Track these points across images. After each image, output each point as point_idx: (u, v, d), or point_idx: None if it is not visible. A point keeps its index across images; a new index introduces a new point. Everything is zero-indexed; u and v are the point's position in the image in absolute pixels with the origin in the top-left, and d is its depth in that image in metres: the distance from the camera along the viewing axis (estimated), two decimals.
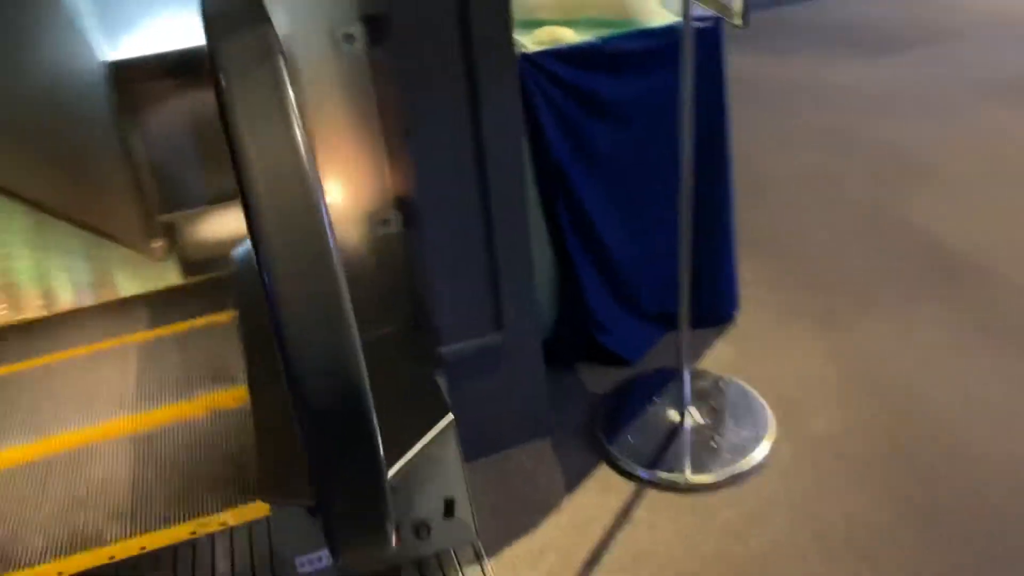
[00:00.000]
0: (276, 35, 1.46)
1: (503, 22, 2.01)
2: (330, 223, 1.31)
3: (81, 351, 3.27)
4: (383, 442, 1.55)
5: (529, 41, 2.50)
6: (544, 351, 2.53)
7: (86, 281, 5.75)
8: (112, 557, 2.25)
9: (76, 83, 3.76)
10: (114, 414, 2.81)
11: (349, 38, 2.09)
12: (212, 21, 1.54)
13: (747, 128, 4.20)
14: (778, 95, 4.87)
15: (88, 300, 5.46)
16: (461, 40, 1.97)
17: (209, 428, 2.67)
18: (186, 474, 2.50)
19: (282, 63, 1.38)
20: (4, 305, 4.69)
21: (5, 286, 4.73)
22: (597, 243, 2.66)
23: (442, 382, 2.32)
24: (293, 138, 1.30)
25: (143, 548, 2.26)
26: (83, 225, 5.14)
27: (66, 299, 5.52)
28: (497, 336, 2.33)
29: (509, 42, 2.03)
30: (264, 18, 1.51)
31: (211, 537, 2.27)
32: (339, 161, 2.27)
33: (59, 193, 4.51)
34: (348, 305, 1.33)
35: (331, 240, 1.30)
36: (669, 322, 2.82)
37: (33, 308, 4.99)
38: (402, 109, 2.01)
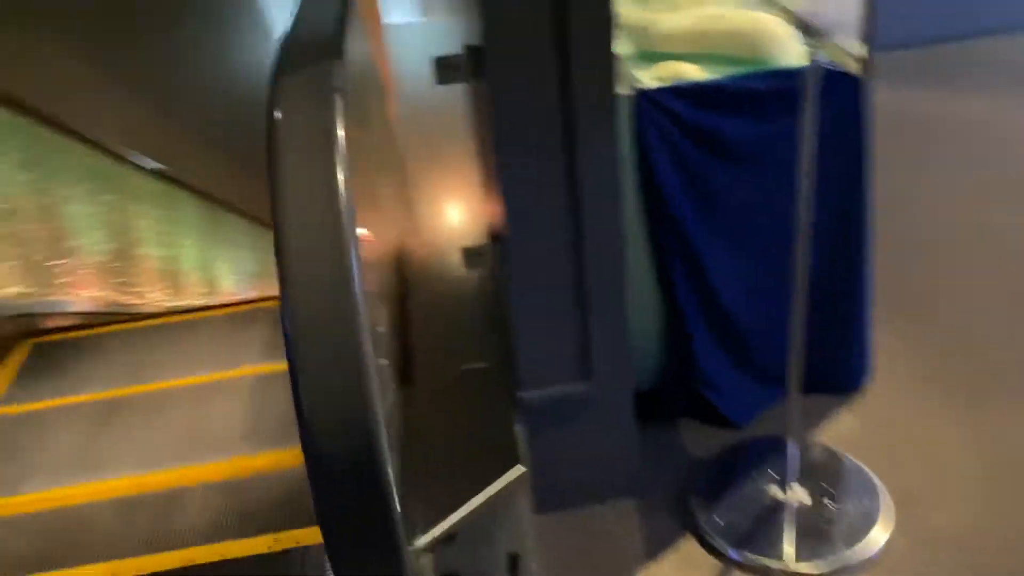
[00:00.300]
0: (341, 72, 1.40)
1: (605, 56, 1.89)
2: (360, 278, 1.23)
3: (201, 379, 3.03)
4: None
5: (648, 76, 2.36)
6: (645, 401, 2.38)
7: (249, 271, 5.98)
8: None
9: (253, 76, 3.84)
10: (213, 456, 2.58)
11: (453, 68, 2.03)
12: (283, 49, 1.51)
13: (909, 173, 3.85)
14: (953, 137, 4.45)
15: (251, 291, 5.66)
16: (558, 74, 1.87)
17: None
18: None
19: (338, 106, 1.32)
20: (169, 291, 4.93)
21: (170, 273, 4.97)
22: (711, 294, 2.48)
23: (522, 427, 2.22)
24: (330, 191, 1.24)
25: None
26: (250, 217, 5.34)
27: (227, 287, 5.75)
28: (583, 386, 2.20)
29: (611, 78, 1.90)
30: (334, 52, 1.46)
31: None
32: (436, 190, 2.21)
33: (229, 185, 4.69)
34: (369, 360, 1.24)
35: (357, 298, 1.22)
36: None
37: (195, 295, 5.22)
38: (494, 143, 1.93)
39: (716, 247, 2.43)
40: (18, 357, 3.17)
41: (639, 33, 2.63)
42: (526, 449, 2.21)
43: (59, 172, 3.57)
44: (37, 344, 3.24)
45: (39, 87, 3.25)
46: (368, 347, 1.23)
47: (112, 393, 2.92)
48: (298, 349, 1.21)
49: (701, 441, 2.58)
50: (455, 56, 2.00)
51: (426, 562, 1.83)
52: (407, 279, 2.46)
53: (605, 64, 1.90)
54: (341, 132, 1.29)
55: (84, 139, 3.53)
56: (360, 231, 1.34)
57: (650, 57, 2.50)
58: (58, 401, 2.87)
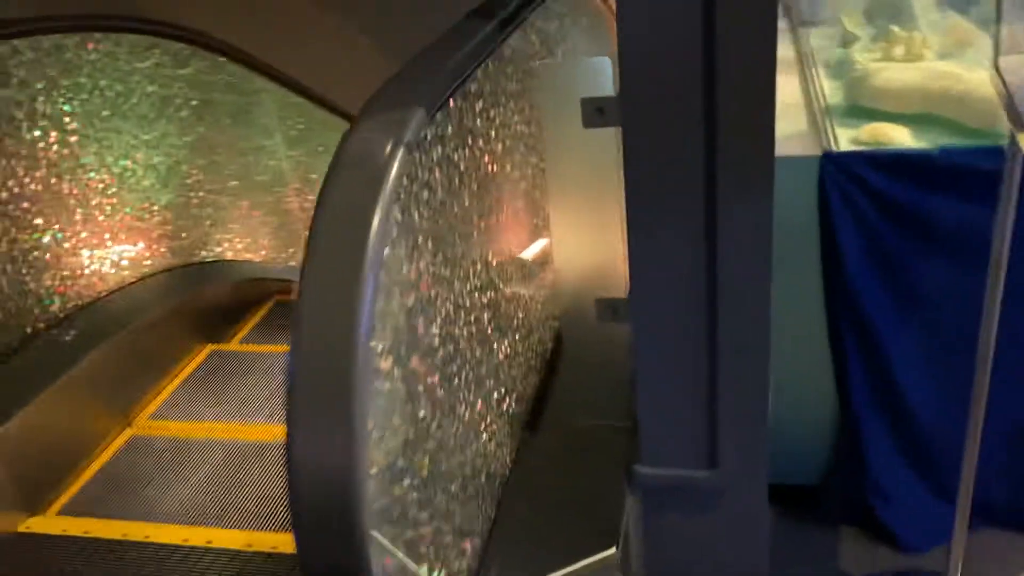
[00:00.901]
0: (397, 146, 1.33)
1: (762, 111, 1.65)
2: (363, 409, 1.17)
3: None
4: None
5: (847, 136, 2.07)
6: (803, 498, 2.11)
7: None
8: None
9: None
10: None
11: (600, 112, 1.89)
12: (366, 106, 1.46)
13: None
14: None
15: None
16: (704, 127, 1.66)
17: None
18: None
19: (384, 193, 1.26)
20: None
21: None
22: (893, 389, 2.13)
23: (633, 502, 2.03)
24: (353, 274, 1.18)
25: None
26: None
27: None
28: (707, 474, 1.97)
29: (767, 135, 1.66)
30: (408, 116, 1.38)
31: None
32: (576, 238, 2.08)
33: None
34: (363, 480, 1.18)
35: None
36: (989, 514, 2.18)
37: None
38: (627, 195, 1.76)
39: (903, 336, 2.08)
40: (263, 311, 3.50)
41: (855, 83, 2.31)
42: (635, 528, 2.03)
43: (323, 151, 3.91)
44: (280, 302, 3.56)
45: (315, 70, 3.57)
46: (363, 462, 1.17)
47: None
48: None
49: (861, 558, 2.23)
50: (605, 98, 1.86)
51: None
52: (544, 321, 2.34)
53: (762, 120, 1.67)
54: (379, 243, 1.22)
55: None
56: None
57: (858, 112, 2.19)
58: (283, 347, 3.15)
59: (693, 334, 1.87)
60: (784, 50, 2.68)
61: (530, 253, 2.14)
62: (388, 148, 1.35)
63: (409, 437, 1.46)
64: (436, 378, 1.60)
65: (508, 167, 2.01)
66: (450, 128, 1.68)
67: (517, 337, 2.14)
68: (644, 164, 1.73)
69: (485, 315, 1.90)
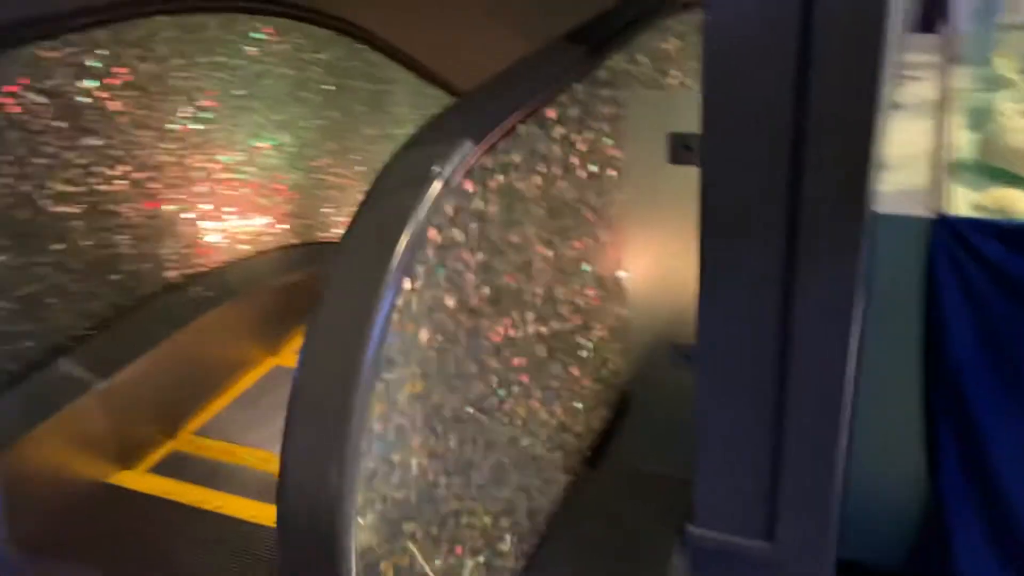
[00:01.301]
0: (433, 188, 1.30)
1: (854, 165, 1.51)
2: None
3: None
4: None
5: (969, 200, 1.86)
6: None
7: None
8: None
9: None
10: None
11: (687, 149, 1.78)
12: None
13: None
14: None
15: None
16: (790, 171, 1.54)
17: None
18: None
19: (405, 232, 1.23)
20: None
21: None
22: (988, 484, 1.92)
23: (683, 562, 1.93)
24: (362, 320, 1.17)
25: None
26: None
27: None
28: (763, 545, 1.84)
29: (862, 188, 1.52)
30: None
31: None
32: (654, 277, 1.98)
33: None
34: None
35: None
36: None
37: None
38: (701, 240, 1.66)
39: (1007, 425, 1.87)
40: None
41: (991, 138, 2.08)
42: None
43: None
44: None
45: (455, 63, 3.64)
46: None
47: None
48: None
49: None
50: (694, 135, 1.75)
51: None
52: (614, 357, 2.25)
53: (856, 171, 1.53)
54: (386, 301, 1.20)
55: None
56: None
57: (989, 172, 1.98)
58: None
59: (759, 395, 1.75)
60: (928, 90, 2.44)
61: (601, 286, 2.06)
62: (421, 182, 1.31)
63: (430, 467, 1.43)
64: (472, 408, 1.56)
65: (588, 195, 1.93)
66: (517, 156, 1.63)
67: (579, 371, 2.06)
68: (721, 207, 1.62)
69: (541, 346, 1.84)
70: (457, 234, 1.43)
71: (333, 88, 3.44)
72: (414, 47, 3.65)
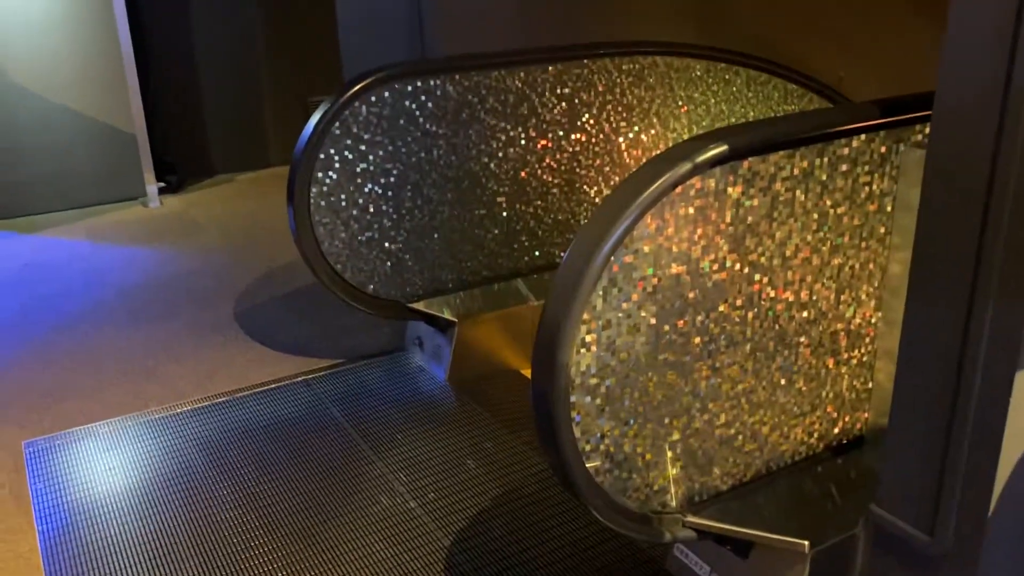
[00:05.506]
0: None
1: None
2: None
3: None
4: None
5: None
6: None
7: None
8: None
9: None
10: None
11: None
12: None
13: None
14: None
15: None
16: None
17: None
18: None
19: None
20: None
21: None
22: None
23: (866, 534, 2.27)
24: None
25: None
26: None
27: None
28: (925, 538, 2.11)
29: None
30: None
31: None
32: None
33: None
34: None
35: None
36: None
37: None
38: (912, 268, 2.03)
39: None
40: None
41: None
42: (864, 550, 2.30)
43: None
44: None
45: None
46: None
47: None
48: None
49: None
50: None
51: None
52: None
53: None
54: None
55: None
56: None
57: None
58: None
59: (940, 408, 2.06)
60: None
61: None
62: (676, 164, 1.99)
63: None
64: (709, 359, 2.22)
65: (855, 238, 2.42)
66: (794, 169, 2.21)
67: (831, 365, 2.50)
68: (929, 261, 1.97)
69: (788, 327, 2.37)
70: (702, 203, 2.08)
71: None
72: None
